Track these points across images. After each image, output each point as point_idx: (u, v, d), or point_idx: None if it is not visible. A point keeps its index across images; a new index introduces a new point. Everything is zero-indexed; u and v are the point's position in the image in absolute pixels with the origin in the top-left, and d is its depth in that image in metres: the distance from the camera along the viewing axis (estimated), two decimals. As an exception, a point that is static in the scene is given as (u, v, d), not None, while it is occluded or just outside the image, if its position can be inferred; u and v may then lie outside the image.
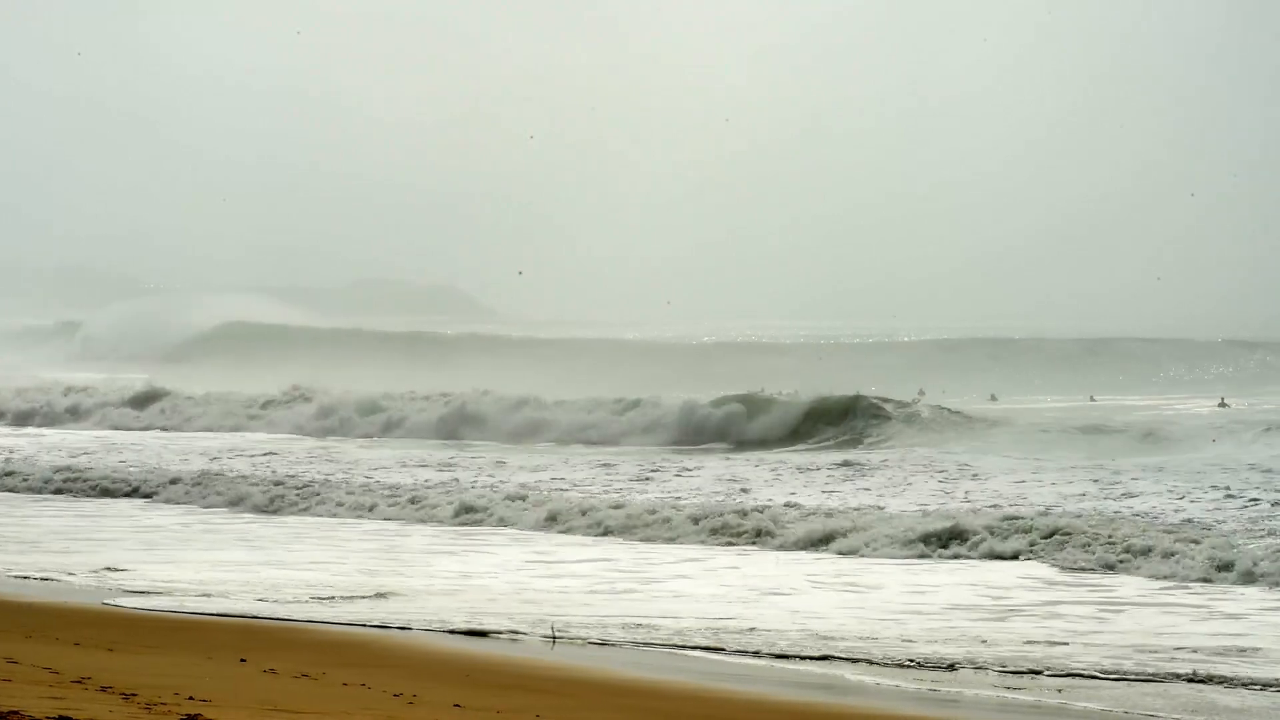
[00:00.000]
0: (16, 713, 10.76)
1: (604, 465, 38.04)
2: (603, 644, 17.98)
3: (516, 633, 18.37)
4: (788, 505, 29.13)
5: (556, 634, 18.29)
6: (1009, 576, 23.00)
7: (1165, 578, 22.52)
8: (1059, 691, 15.66)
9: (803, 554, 25.53)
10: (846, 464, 36.92)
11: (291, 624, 18.81)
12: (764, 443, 44.91)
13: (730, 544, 26.55)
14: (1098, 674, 16.39)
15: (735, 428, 46.26)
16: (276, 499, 31.86)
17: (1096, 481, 32.08)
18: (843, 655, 17.23)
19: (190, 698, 12.25)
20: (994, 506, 28.57)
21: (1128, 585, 22.26)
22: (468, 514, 29.69)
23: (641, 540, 27.20)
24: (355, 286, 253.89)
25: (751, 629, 18.70)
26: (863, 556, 25.01)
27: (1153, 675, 16.28)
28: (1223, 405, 60.54)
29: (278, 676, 14.51)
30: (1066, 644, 17.90)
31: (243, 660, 15.41)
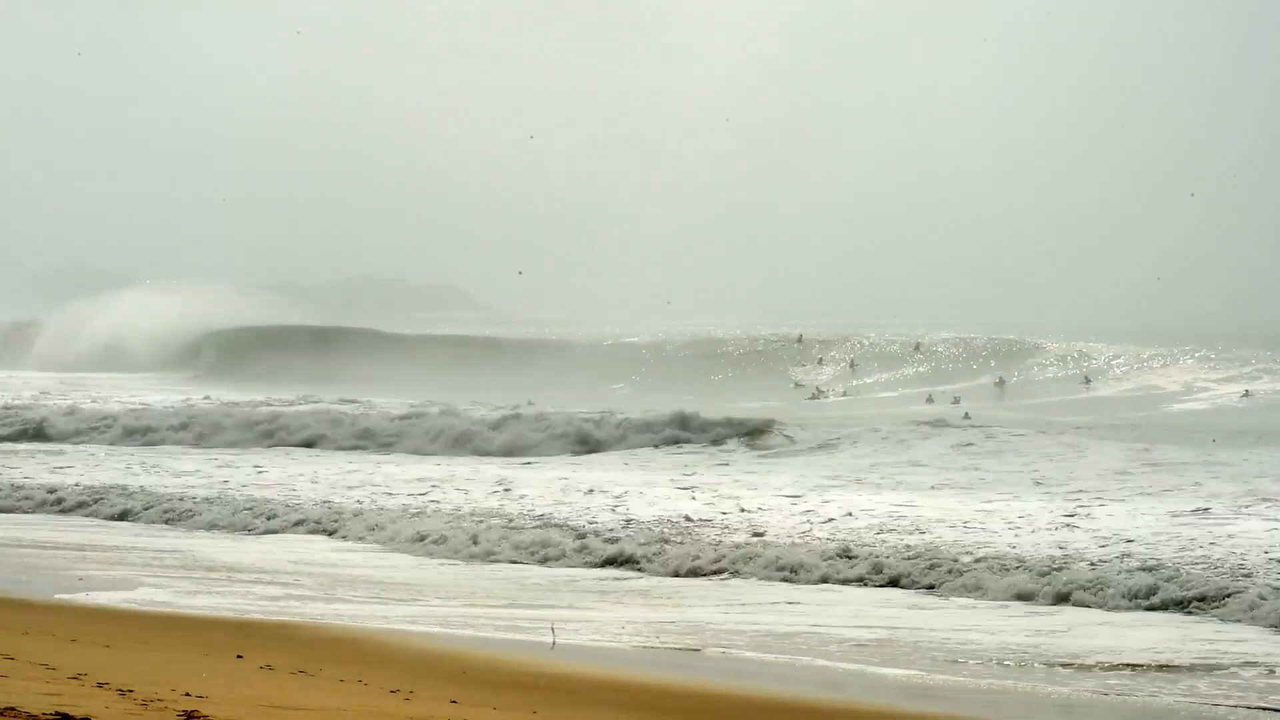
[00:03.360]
0: (13, 709, 10.74)
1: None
2: (599, 644, 18.03)
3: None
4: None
5: (555, 636, 18.30)
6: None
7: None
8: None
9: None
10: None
11: (288, 620, 18.82)
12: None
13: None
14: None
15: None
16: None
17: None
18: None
19: (187, 694, 12.23)
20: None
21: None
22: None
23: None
24: (354, 286, 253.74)
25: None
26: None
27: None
28: (1246, 396, 61.32)
29: (274, 672, 14.50)
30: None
31: (239, 656, 15.38)
